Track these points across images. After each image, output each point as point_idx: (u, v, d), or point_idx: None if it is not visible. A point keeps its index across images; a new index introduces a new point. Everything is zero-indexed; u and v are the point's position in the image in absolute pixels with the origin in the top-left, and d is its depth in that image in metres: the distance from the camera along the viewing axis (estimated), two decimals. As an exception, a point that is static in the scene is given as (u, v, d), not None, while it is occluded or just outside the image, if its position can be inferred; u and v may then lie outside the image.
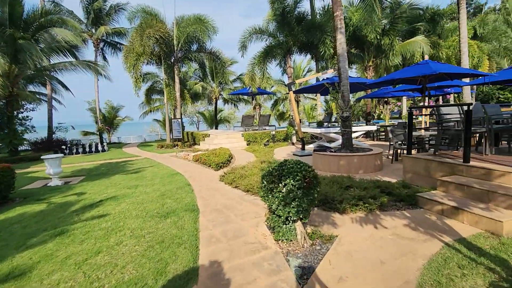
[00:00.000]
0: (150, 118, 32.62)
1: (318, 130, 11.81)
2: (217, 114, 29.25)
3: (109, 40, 24.69)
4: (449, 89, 12.24)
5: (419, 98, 15.75)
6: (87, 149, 16.88)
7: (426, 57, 7.77)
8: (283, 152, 11.67)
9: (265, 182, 3.60)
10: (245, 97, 30.40)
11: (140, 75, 15.65)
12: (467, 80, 11.05)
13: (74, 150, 16.52)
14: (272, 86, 30.99)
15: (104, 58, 26.21)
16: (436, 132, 6.73)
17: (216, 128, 29.26)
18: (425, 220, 4.01)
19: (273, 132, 14.71)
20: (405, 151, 7.68)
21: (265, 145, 14.14)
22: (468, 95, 11.38)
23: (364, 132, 12.85)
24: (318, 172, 4.35)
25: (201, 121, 46.36)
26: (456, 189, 4.41)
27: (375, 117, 19.71)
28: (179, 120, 16.78)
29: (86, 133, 27.76)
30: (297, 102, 33.39)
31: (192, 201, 5.53)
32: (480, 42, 17.63)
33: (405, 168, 5.97)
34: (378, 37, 14.32)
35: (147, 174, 8.85)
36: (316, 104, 39.04)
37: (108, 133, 29.04)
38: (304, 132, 12.88)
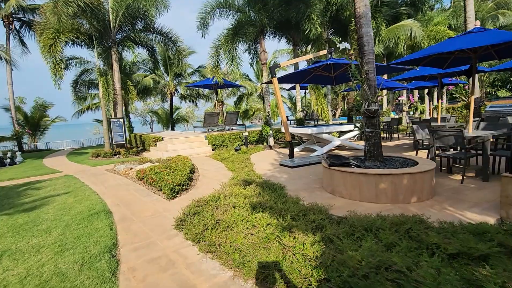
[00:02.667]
0: (91, 118, 27.24)
1: (309, 130, 9.08)
2: (173, 113, 25.22)
3: (26, 19, 19.28)
4: (453, 79, 10.51)
5: (429, 88, 13.74)
6: (-14, 163, 12.03)
7: (478, 23, 5.42)
8: (264, 161, 8.71)
9: None
10: (205, 92, 26.88)
11: (61, 60, 11.39)
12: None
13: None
14: (235, 81, 27.87)
15: (22, 43, 20.56)
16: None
17: (173, 129, 25.23)
18: None
19: (246, 133, 11.69)
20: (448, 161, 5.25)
21: (236, 150, 11.05)
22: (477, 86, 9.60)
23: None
24: (343, 202, 3.20)
25: (155, 121, 41.38)
26: None
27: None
28: (121, 120, 12.82)
29: (1, 139, 21.66)
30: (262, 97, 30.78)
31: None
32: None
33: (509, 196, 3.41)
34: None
35: (49, 213, 5.20)
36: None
37: (31, 138, 23.21)
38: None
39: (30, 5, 18.39)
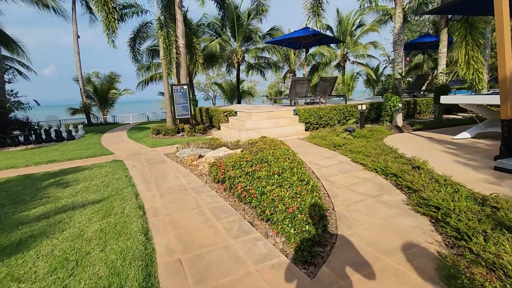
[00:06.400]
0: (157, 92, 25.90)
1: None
2: (239, 84, 22.15)
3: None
4: None
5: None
6: (44, 136, 10.56)
7: None
8: (432, 157, 4.68)
9: None
10: (275, 59, 22.89)
11: (114, 9, 8.72)
12: None
13: (32, 137, 10.24)
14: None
15: (89, 9, 19.25)
16: None
17: (239, 103, 22.30)
18: None
19: (363, 107, 7.61)
20: None
21: (349, 132, 7.16)
22: None
23: None
24: None
25: (218, 96, 39.40)
26: None
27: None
28: (185, 87, 9.93)
29: (74, 111, 21.66)
30: (343, 67, 25.56)
31: None
32: None
33: None
34: None
35: (38, 266, 2.22)
36: (357, 73, 30.88)
37: (102, 110, 22.84)
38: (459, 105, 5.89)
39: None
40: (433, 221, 2.73)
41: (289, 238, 2.34)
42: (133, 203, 3.61)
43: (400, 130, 7.61)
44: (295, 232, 2.33)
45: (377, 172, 4.26)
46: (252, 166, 4.21)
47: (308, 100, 11.19)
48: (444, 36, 8.34)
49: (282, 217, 2.58)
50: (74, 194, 4.14)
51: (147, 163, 5.98)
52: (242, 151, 5.65)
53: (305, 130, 8.60)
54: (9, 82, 19.33)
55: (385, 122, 8.25)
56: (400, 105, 7.75)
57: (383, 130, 7.40)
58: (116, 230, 2.90)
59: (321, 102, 10.08)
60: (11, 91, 18.38)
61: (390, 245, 2.36)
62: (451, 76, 8.61)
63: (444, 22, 8.26)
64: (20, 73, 18.11)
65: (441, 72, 8.39)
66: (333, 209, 3.15)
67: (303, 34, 9.88)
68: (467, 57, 8.65)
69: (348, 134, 7.15)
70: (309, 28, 10.02)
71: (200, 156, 5.86)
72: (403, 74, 7.67)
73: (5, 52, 16.41)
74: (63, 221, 3.22)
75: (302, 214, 2.60)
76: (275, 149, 5.49)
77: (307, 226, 2.38)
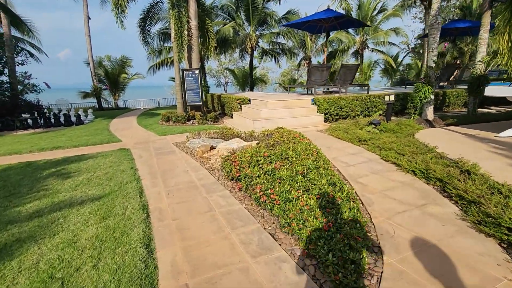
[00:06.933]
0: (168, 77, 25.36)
1: None
2: (252, 71, 21.40)
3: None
4: None
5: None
6: (53, 120, 10.30)
7: None
8: (470, 153, 4.03)
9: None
10: (290, 45, 21.90)
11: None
12: None
13: (40, 121, 10.00)
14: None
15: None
16: None
17: (251, 90, 21.63)
18: None
19: (390, 98, 6.89)
20: None
21: (374, 125, 6.51)
22: None
23: None
24: None
25: (230, 83, 38.63)
26: None
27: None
28: (196, 72, 9.37)
29: (85, 95, 21.50)
30: (361, 54, 24.28)
31: None
32: None
33: None
34: None
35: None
36: (375, 62, 29.40)
37: (113, 95, 22.61)
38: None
39: None
40: (504, 245, 2.16)
41: (326, 266, 1.83)
42: (136, 202, 3.18)
43: (431, 124, 6.89)
44: (334, 259, 1.82)
45: (415, 174, 3.67)
46: (271, 162, 3.70)
47: (326, 89, 10.49)
48: (486, 20, 7.41)
49: (316, 236, 2.07)
50: (74, 188, 3.75)
51: (155, 153, 5.55)
52: (258, 143, 5.14)
53: (324, 121, 7.98)
54: (22, 64, 19.19)
55: (412, 114, 7.52)
56: (432, 96, 7.00)
57: (412, 124, 6.70)
58: (114, 237, 2.46)
59: (341, 92, 9.38)
60: (25, 73, 18.32)
61: (459, 282, 1.82)
62: (490, 65, 7.69)
63: (488, 3, 7.32)
64: (31, 55, 17.92)
65: (479, 61, 7.52)
66: (371, 221, 2.62)
67: (325, 16, 9.07)
68: (510, 44, 7.74)
69: (373, 128, 6.52)
70: (332, 10, 9.23)
71: (212, 148, 5.37)
72: (437, 62, 6.86)
73: (16, 33, 16.18)
74: (57, 222, 2.81)
75: (340, 233, 2.08)
76: (294, 143, 4.95)
77: (350, 252, 1.86)
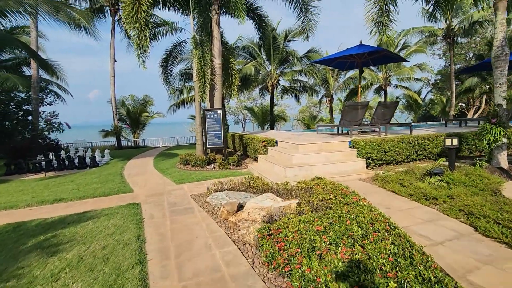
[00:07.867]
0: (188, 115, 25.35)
1: None
2: (273, 108, 20.90)
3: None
4: None
5: None
6: (67, 163, 9.73)
7: None
8: None
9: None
10: (311, 82, 21.49)
11: (146, 25, 7.90)
12: None
13: (53, 163, 9.45)
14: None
15: (127, 34, 19.54)
16: None
17: (272, 128, 20.93)
18: None
19: (452, 141, 5.69)
20: None
21: (436, 174, 5.25)
22: None
23: None
24: None
25: (248, 119, 38.55)
26: None
27: None
28: (219, 113, 8.67)
29: (106, 134, 21.59)
30: (385, 91, 23.44)
31: None
32: None
33: None
34: None
35: None
36: (397, 98, 28.40)
37: (133, 133, 22.61)
38: None
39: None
40: None
41: None
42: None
43: (508, 174, 5.53)
44: None
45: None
46: (330, 244, 2.54)
47: (359, 129, 9.42)
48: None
49: None
50: (55, 276, 2.71)
51: (169, 211, 4.52)
52: (298, 203, 4.01)
53: (366, 166, 6.78)
54: (50, 104, 19.89)
55: (478, 161, 6.20)
56: (505, 140, 5.73)
57: (484, 174, 5.37)
58: None
59: (381, 133, 8.28)
60: (53, 112, 18.79)
61: None
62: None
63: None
64: (57, 96, 18.44)
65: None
66: None
67: (358, 52, 8.33)
68: None
69: (432, 177, 5.25)
70: (366, 44, 8.53)
71: (240, 206, 4.28)
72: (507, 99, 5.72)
73: (45, 76, 16.76)
74: None
75: None
76: (347, 204, 3.80)
77: None
